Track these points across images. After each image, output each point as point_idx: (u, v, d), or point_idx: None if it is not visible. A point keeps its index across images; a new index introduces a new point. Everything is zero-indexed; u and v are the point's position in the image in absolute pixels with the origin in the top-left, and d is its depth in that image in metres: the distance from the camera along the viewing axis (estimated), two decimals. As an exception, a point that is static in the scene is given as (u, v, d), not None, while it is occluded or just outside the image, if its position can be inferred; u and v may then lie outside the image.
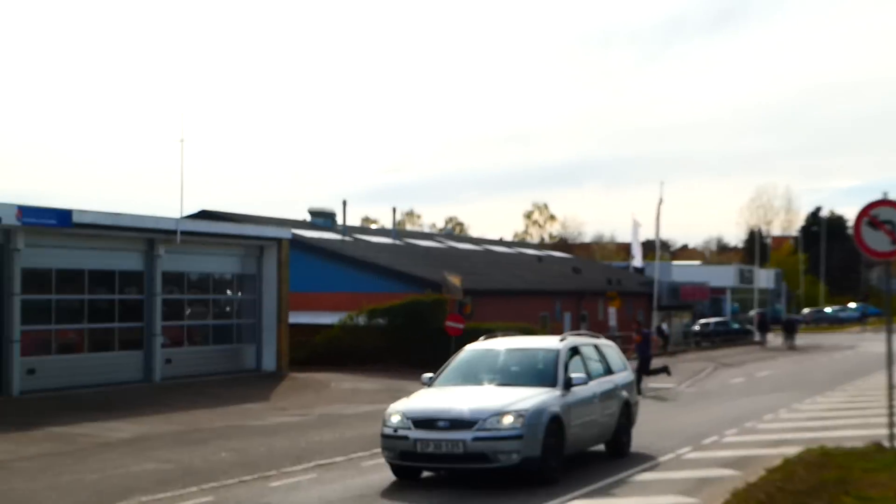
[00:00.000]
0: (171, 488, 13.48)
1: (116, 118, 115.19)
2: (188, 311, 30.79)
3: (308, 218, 49.85)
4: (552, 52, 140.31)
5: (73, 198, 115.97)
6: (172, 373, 28.99)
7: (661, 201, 49.46)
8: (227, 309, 32.41)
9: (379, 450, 14.31)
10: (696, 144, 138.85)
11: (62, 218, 24.84)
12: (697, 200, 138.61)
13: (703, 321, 64.04)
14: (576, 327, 45.70)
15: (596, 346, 16.45)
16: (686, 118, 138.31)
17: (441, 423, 13.18)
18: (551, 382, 14.30)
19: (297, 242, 36.82)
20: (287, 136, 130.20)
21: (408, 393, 15.21)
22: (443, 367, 15.38)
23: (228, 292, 32.55)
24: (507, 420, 13.09)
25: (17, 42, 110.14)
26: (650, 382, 30.02)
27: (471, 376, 14.80)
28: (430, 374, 15.25)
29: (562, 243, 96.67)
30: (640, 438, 16.92)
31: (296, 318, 34.90)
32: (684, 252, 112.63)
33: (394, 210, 55.87)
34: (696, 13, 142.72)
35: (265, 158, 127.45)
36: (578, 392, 14.49)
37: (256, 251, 32.48)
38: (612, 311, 48.67)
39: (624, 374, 16.81)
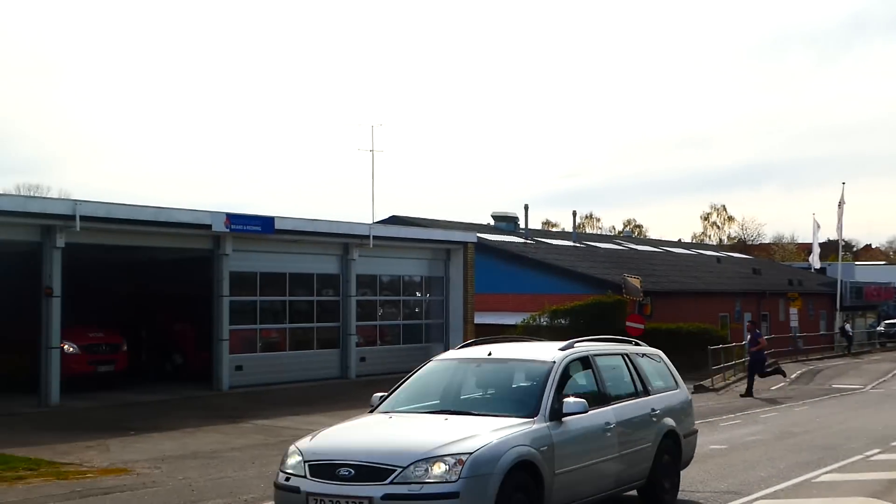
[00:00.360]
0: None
1: (312, 131, 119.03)
2: (380, 312, 31.39)
3: (491, 222, 50.11)
4: (727, 55, 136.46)
5: (273, 206, 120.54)
6: (366, 370, 29.53)
7: (841, 202, 47.28)
8: (416, 310, 32.91)
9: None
10: (878, 144, 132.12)
11: (266, 224, 25.72)
12: (880, 200, 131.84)
13: (888, 322, 60.99)
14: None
15: (626, 357, 11.66)
16: (867, 118, 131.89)
17: (343, 472, 8.67)
18: (530, 411, 9.62)
19: (482, 246, 37.00)
20: (471, 145, 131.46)
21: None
22: (398, 383, 11.09)
23: (417, 294, 33.04)
24: (439, 469, 8.49)
25: (220, 64, 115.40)
26: (769, 385, 28.64)
27: (428, 398, 10.45)
28: (381, 394, 10.88)
29: (740, 244, 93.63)
30: (827, 439, 16.16)
31: (481, 318, 35.06)
32: (867, 252, 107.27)
33: (574, 213, 55.52)
34: (876, 13, 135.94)
35: (451, 166, 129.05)
36: (576, 423, 9.80)
37: (443, 254, 32.84)
38: (793, 311, 46.80)
39: (670, 394, 12.03)
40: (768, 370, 28.92)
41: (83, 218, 21.70)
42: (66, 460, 15.15)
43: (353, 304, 29.30)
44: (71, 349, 24.30)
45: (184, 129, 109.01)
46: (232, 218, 24.88)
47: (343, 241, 28.90)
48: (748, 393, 26.98)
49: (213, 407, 22.57)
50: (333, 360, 29.03)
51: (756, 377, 27.70)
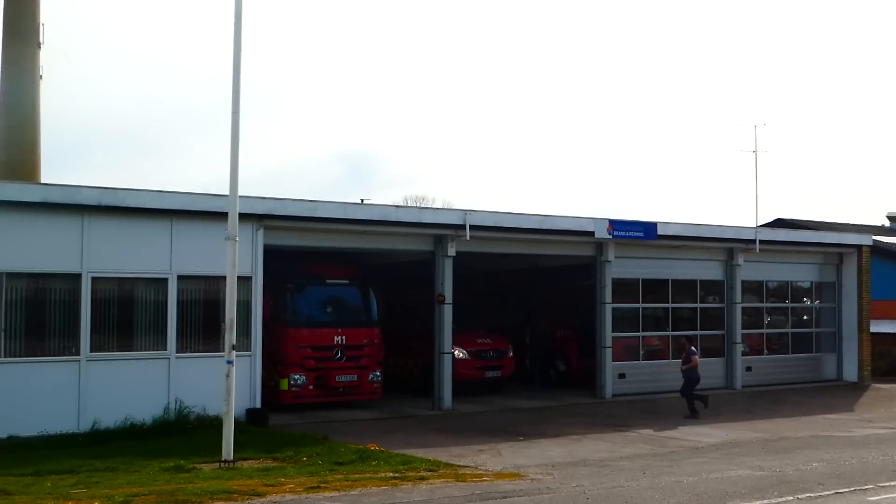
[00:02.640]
0: (766, 495, 12.99)
1: (691, 134, 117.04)
2: (767, 320, 30.08)
3: (886, 223, 46.39)
4: None
5: (652, 210, 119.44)
6: (752, 380, 28.60)
7: None
8: (805, 317, 31.13)
9: None
10: None
11: (648, 230, 25.45)
12: None
13: None
14: None
15: None
16: None
17: None
18: None
19: (877, 249, 34.31)
20: (860, 143, 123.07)
21: None
22: None
23: (806, 300, 31.25)
24: None
25: (596, 67, 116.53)
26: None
27: None
28: None
29: None
30: None
31: (877, 326, 32.52)
32: None
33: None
34: None
35: (837, 165, 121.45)
36: None
37: (835, 258, 30.84)
38: None
39: None
40: (697, 394, 23.51)
41: (472, 227, 22.57)
42: (461, 462, 15.68)
43: (738, 311, 28.39)
44: (461, 354, 25.34)
45: (552, 133, 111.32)
46: (614, 224, 24.87)
47: (727, 245, 28.04)
48: (693, 413, 22.41)
49: (598, 414, 22.61)
50: (718, 370, 28.29)
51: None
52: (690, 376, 23.33)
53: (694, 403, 22.97)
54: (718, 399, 26.06)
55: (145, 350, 19.07)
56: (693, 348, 23.78)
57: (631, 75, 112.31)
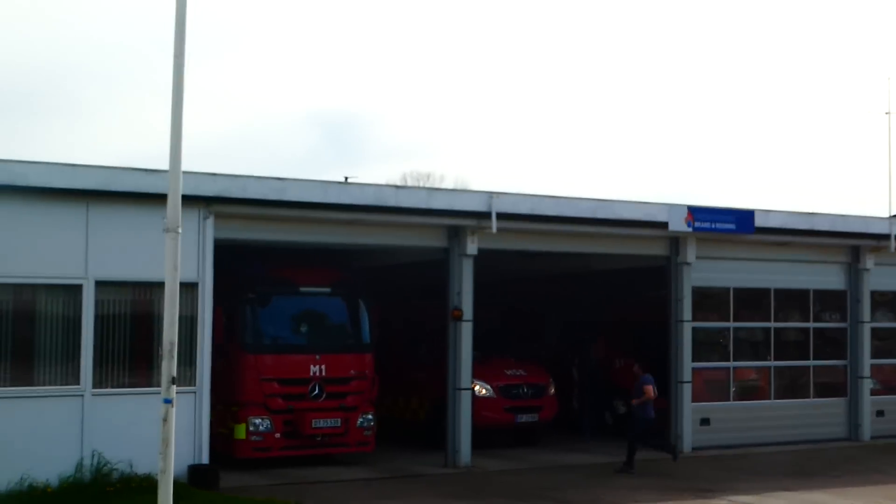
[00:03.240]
0: None
1: (801, 89, 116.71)
2: (908, 346, 30.02)
3: None
4: None
5: (732, 198, 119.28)
6: (886, 428, 28.57)
7: None
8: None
9: None
10: None
11: (742, 221, 25.36)
12: None
13: None
14: None
15: None
16: None
17: None
18: None
19: None
20: None
21: None
22: None
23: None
24: None
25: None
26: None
27: None
28: None
29: None
30: None
31: None
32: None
33: None
34: None
35: None
36: None
37: None
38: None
39: None
40: (653, 442, 23.10)
41: (501, 216, 22.50)
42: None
43: (866, 333, 28.45)
44: (483, 391, 25.28)
45: (602, 92, 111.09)
46: (696, 213, 24.78)
47: (851, 242, 28.00)
48: (627, 466, 22.08)
49: (672, 475, 22.48)
50: (837, 414, 28.35)
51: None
52: (641, 415, 23.05)
53: (634, 454, 22.71)
54: (838, 454, 25.94)
55: (50, 385, 18.94)
56: (648, 375, 23.36)
57: (703, 11, 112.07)
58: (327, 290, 23.38)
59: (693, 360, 25.82)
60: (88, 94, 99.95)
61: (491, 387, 25.58)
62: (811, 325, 28.25)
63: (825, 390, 28.12)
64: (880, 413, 28.75)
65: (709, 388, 26.53)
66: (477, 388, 24.54)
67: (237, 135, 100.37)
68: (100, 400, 19.19)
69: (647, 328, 27.40)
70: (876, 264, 28.32)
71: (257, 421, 21.91)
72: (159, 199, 16.36)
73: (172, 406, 15.14)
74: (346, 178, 27.52)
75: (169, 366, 15.18)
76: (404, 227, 22.61)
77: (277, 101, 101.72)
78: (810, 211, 27.22)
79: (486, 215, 22.47)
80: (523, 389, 26.16)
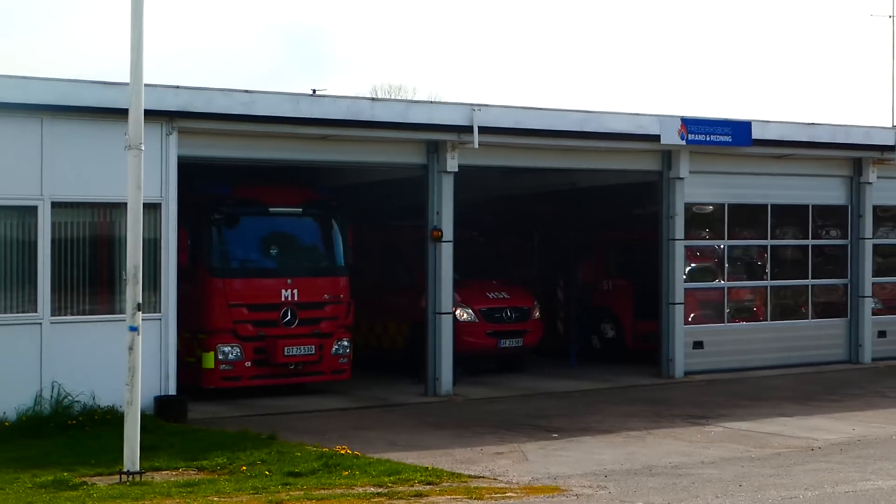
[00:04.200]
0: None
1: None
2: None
3: None
4: None
5: (737, 111, 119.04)
6: (888, 350, 28.81)
7: None
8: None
9: None
10: None
11: (738, 132, 25.30)
12: None
13: None
14: None
15: None
16: None
17: None
18: None
19: None
20: None
21: None
22: None
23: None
24: None
25: None
26: None
27: None
28: None
29: None
30: None
31: None
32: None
33: None
34: None
35: None
36: None
37: None
38: None
39: None
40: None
41: (483, 129, 22.38)
42: (472, 472, 15.59)
43: (867, 250, 28.55)
44: (465, 316, 25.30)
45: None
46: (689, 124, 24.73)
47: (853, 154, 28.03)
48: None
49: (664, 401, 22.64)
50: (837, 336, 28.54)
51: None
52: None
53: None
54: (838, 377, 26.18)
55: (4, 313, 18.91)
56: None
57: None
58: (298, 210, 23.31)
59: (686, 282, 25.91)
60: (44, 3, 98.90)
61: (473, 310, 25.61)
62: (810, 242, 28.30)
63: (824, 311, 28.29)
64: (882, 334, 28.94)
65: (702, 310, 26.66)
66: (458, 311, 24.56)
67: (199, 49, 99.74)
68: (59, 328, 19.15)
69: (636, 248, 27.44)
70: (879, 177, 28.32)
71: (226, 349, 21.92)
72: (120, 114, 16.33)
73: (139, 334, 15.17)
74: (314, 91, 27.21)
75: (134, 291, 15.19)
76: (380, 142, 22.49)
77: (241, 14, 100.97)
78: (810, 122, 27.21)
79: (467, 129, 22.34)
80: (507, 313, 26.18)
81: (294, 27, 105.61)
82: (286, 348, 22.29)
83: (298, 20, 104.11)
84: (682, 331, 25.76)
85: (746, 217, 27.45)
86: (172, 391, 19.97)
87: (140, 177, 15.38)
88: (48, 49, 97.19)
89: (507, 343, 26.14)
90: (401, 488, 14.35)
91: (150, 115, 17.77)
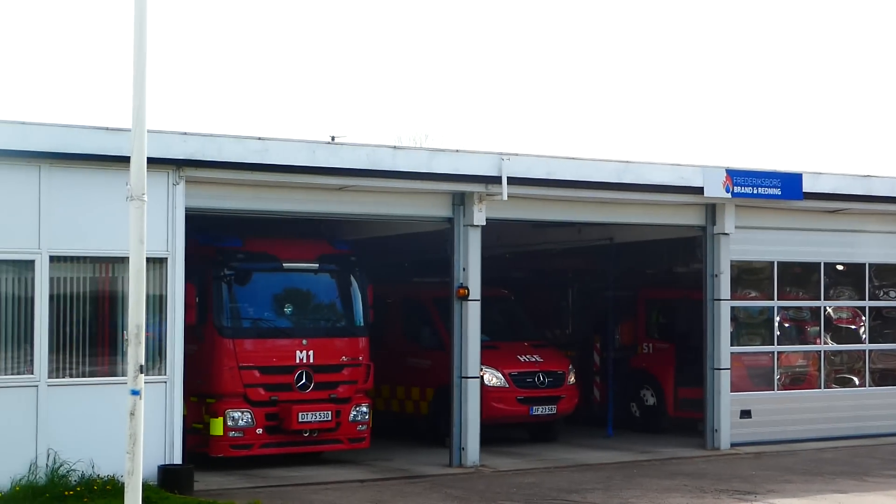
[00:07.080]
0: None
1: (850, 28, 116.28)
2: None
3: None
4: None
5: (774, 160, 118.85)
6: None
7: None
8: None
9: None
10: None
11: (789, 185, 25.28)
12: None
13: None
14: None
15: None
16: None
17: None
18: None
19: None
20: None
21: None
22: None
23: None
24: None
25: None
26: None
27: None
28: None
29: None
30: None
31: None
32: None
33: None
34: None
35: None
36: None
37: None
38: None
39: None
40: None
41: (513, 180, 22.45)
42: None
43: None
44: (494, 380, 25.26)
45: (621, 46, 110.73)
46: (734, 176, 24.72)
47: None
48: None
49: (708, 475, 22.53)
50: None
51: None
52: None
53: None
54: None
55: (-1, 374, 18.98)
56: None
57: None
58: (314, 265, 23.34)
59: (732, 345, 25.78)
60: (45, 46, 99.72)
61: (502, 374, 25.55)
62: (867, 303, 28.22)
63: (883, 378, 28.18)
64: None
65: (750, 376, 26.52)
66: (486, 376, 24.52)
67: (209, 94, 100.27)
68: (56, 391, 19.15)
69: (679, 309, 27.36)
70: (946, 235, 28.31)
71: (236, 414, 21.92)
72: (124, 162, 16.30)
73: (141, 398, 15.12)
74: (333, 138, 27.24)
75: (136, 352, 15.13)
76: (402, 193, 22.59)
77: (253, 54, 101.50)
78: (866, 174, 27.14)
79: (495, 180, 22.42)
80: (539, 377, 26.11)
81: (312, 69, 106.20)
82: (300, 414, 22.24)
83: (316, 62, 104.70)
84: (728, 398, 25.61)
85: (798, 276, 27.39)
86: (178, 460, 19.92)
87: (143, 230, 15.38)
88: (49, 95, 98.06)
89: (539, 410, 26.02)
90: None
91: (156, 163, 17.90)
